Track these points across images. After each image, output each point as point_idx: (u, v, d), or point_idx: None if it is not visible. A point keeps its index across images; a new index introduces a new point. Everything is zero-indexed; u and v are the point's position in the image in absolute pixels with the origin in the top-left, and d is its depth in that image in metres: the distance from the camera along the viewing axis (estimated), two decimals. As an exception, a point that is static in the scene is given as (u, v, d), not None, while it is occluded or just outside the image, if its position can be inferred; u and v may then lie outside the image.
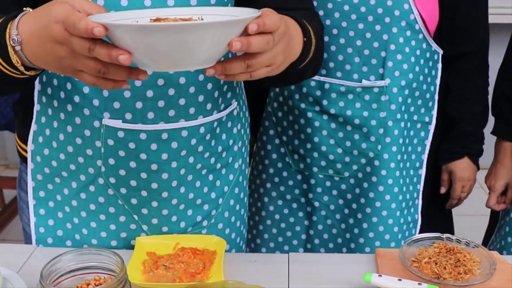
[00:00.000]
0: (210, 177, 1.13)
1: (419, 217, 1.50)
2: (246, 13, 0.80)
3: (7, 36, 0.83)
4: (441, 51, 1.44)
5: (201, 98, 1.05)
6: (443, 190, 1.54)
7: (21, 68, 0.85)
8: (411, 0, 1.33)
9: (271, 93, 1.56)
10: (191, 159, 1.09)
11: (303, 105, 1.45)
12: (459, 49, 1.46)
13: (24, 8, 0.85)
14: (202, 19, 0.83)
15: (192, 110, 1.05)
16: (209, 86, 1.06)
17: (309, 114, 1.44)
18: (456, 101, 1.49)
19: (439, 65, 1.45)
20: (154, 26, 0.72)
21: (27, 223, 1.16)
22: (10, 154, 3.57)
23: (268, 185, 1.56)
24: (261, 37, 0.78)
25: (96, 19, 0.74)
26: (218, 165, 1.14)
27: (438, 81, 1.46)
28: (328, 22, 1.37)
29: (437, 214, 1.60)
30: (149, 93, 1.01)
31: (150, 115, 1.03)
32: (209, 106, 1.08)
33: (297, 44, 0.95)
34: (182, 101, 1.04)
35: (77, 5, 0.76)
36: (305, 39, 0.97)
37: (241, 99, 1.20)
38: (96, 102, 1.02)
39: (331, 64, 1.39)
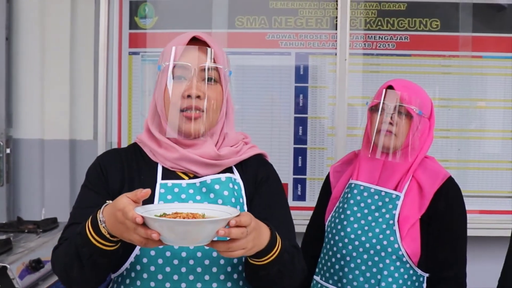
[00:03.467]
0: None
1: None
2: (231, 212, 1.22)
3: (98, 217, 1.26)
4: (426, 275, 2.03)
5: None
6: None
7: (108, 236, 1.25)
8: (400, 242, 1.98)
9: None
10: None
11: (323, 306, 2.11)
12: (439, 275, 2.03)
13: (107, 201, 1.28)
14: (204, 214, 1.22)
15: None
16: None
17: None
18: None
19: (424, 285, 2.03)
20: (169, 221, 1.13)
21: None
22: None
23: None
24: (238, 229, 1.18)
25: (139, 211, 1.16)
26: None
27: (423, 297, 2.06)
28: (344, 251, 2.05)
29: None
30: None
31: None
32: None
33: (265, 238, 1.31)
34: None
35: (130, 197, 1.19)
36: (270, 238, 1.32)
37: None
38: None
39: (344, 280, 2.05)
